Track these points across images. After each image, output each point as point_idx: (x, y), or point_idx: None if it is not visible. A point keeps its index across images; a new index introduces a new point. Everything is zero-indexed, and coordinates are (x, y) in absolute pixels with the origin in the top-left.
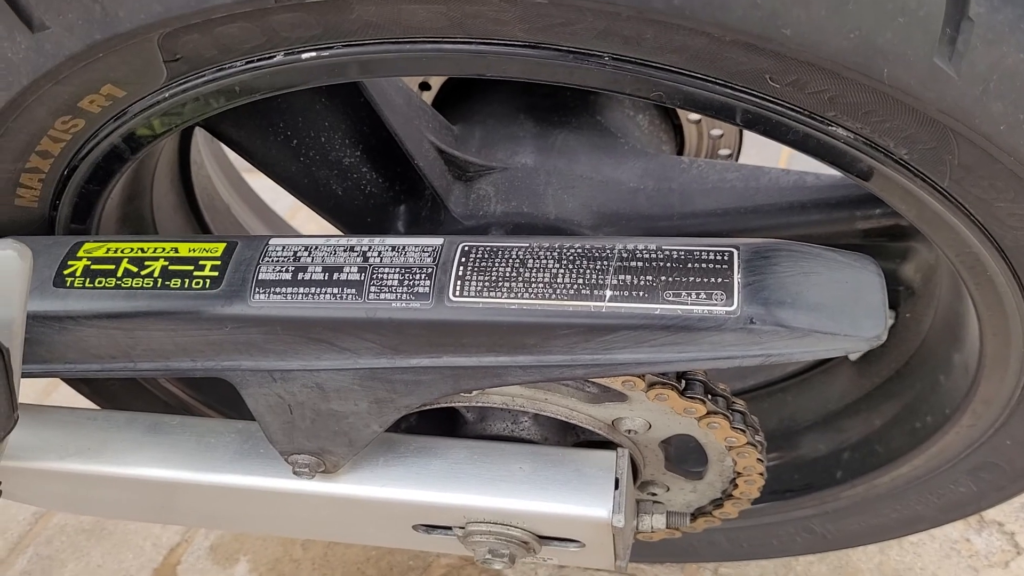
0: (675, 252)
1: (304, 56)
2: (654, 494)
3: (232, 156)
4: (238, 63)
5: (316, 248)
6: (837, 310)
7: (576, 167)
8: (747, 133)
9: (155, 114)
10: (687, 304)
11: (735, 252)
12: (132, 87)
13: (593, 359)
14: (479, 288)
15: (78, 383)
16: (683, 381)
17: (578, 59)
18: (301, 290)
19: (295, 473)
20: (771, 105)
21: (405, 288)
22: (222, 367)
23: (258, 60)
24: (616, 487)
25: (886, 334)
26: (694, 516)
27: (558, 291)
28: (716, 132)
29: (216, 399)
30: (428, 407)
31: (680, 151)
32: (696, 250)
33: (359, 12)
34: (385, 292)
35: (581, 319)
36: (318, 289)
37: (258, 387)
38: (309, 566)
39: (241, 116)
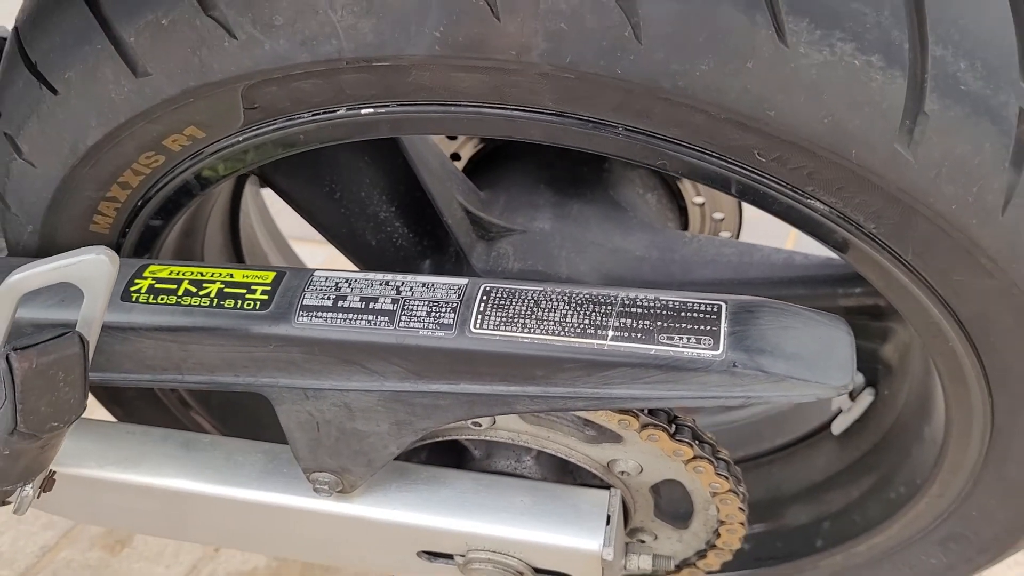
0: (670, 302)
1: (363, 112)
2: (643, 541)
3: (273, 210)
4: (306, 115)
5: (355, 280)
6: (811, 360)
7: (588, 234)
8: (747, 219)
9: (224, 157)
10: (679, 347)
11: (724, 305)
12: (211, 130)
13: (593, 392)
14: (497, 323)
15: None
16: (673, 425)
17: (596, 128)
18: (340, 316)
19: (315, 491)
20: (759, 177)
21: (432, 319)
22: (261, 383)
23: (323, 113)
24: (608, 523)
25: (852, 385)
26: (679, 567)
27: (566, 329)
28: (718, 215)
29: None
30: (440, 439)
31: (684, 230)
32: (689, 301)
33: (415, 76)
34: (414, 321)
35: (585, 355)
36: (355, 316)
37: (291, 404)
38: None
39: (293, 168)
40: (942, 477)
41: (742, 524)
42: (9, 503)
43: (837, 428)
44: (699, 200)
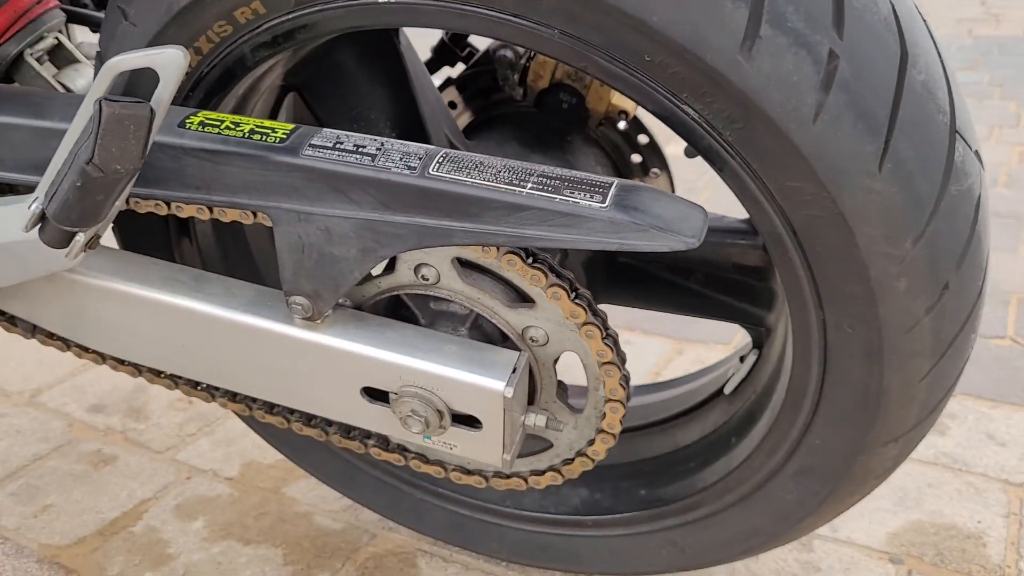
0: (576, 175)
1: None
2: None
3: None
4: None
5: (352, 135)
6: (671, 220)
7: None
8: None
9: (274, 34)
10: (577, 199)
11: (615, 182)
12: (270, 6)
13: (511, 231)
14: (449, 170)
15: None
16: (573, 292)
17: (539, 27)
18: (336, 153)
19: (290, 311)
20: (648, 81)
21: (403, 163)
22: (268, 205)
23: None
24: (513, 372)
25: (698, 241)
26: (570, 460)
27: (498, 180)
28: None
29: None
30: (395, 294)
31: None
32: (590, 176)
33: None
34: (389, 162)
35: (508, 198)
36: (347, 154)
37: (287, 225)
38: (256, 534)
39: (324, 91)
40: (790, 406)
41: (622, 403)
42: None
43: (729, 387)
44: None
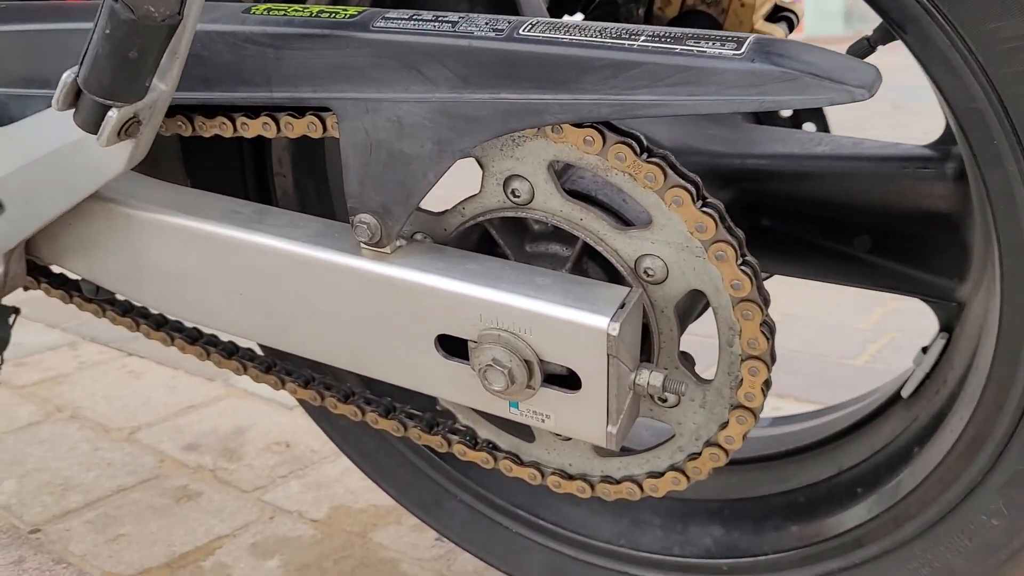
0: (701, 31)
1: None
2: (664, 400)
3: None
4: None
5: (428, 12)
6: (829, 68)
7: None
8: None
9: None
10: (703, 48)
11: (751, 35)
12: None
13: (617, 98)
14: (542, 30)
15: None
16: (700, 199)
17: None
18: (412, 24)
19: (355, 232)
20: None
21: (488, 27)
22: (332, 96)
23: None
24: (621, 307)
25: (869, 93)
26: (697, 454)
27: (603, 35)
28: None
29: None
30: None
31: None
32: (718, 31)
33: None
34: (472, 27)
35: (614, 54)
36: (424, 23)
37: (353, 120)
38: None
39: None
40: (996, 383)
41: (765, 363)
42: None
43: (908, 389)
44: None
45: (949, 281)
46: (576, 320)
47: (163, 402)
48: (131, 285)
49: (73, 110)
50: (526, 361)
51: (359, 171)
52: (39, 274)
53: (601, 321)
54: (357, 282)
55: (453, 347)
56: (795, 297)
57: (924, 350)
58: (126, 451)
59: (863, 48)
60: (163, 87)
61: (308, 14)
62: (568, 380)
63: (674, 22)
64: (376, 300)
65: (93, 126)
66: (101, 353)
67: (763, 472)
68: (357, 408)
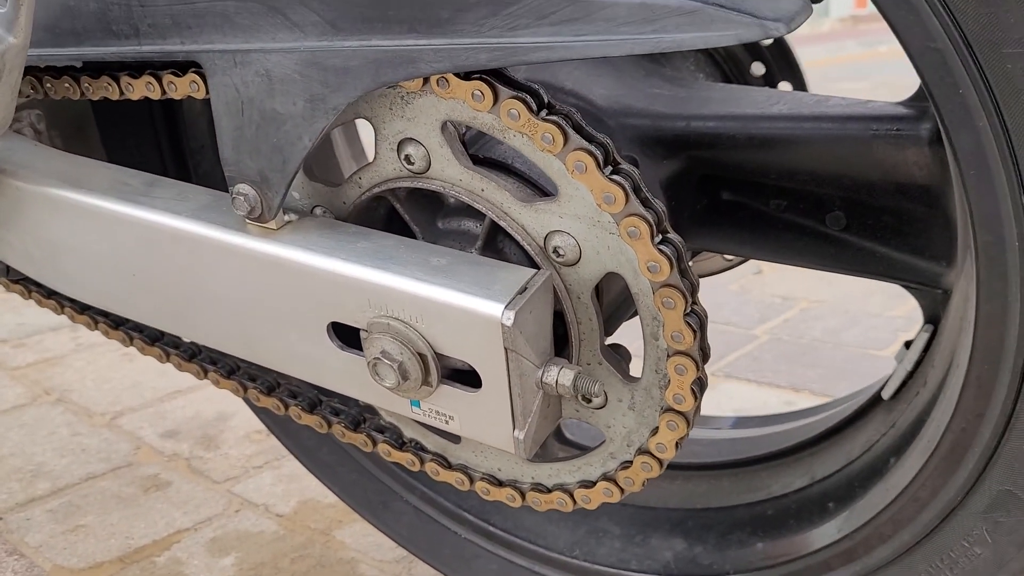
0: None
1: None
2: (588, 400)
3: None
4: None
5: None
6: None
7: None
8: None
9: None
10: None
11: None
12: None
13: (498, 42)
14: None
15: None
16: (612, 166)
17: None
18: None
19: (235, 208)
20: None
21: None
22: (200, 48)
23: None
24: (521, 291)
25: (787, 28)
26: (628, 462)
27: None
28: None
29: None
30: (379, 192)
31: None
32: None
33: None
34: None
35: None
36: None
37: (222, 75)
38: None
39: None
40: (974, 384)
41: (693, 359)
42: None
43: (888, 390)
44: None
45: (934, 265)
46: (468, 307)
47: (151, 386)
48: (32, 265)
49: None
50: (419, 354)
51: (233, 135)
52: None
53: (495, 308)
54: (242, 261)
55: (353, 336)
56: (825, 283)
57: (907, 345)
58: (104, 437)
59: None
60: (12, 39)
61: None
62: (473, 376)
63: None
64: (264, 281)
65: None
66: (99, 335)
67: (732, 480)
68: (280, 402)
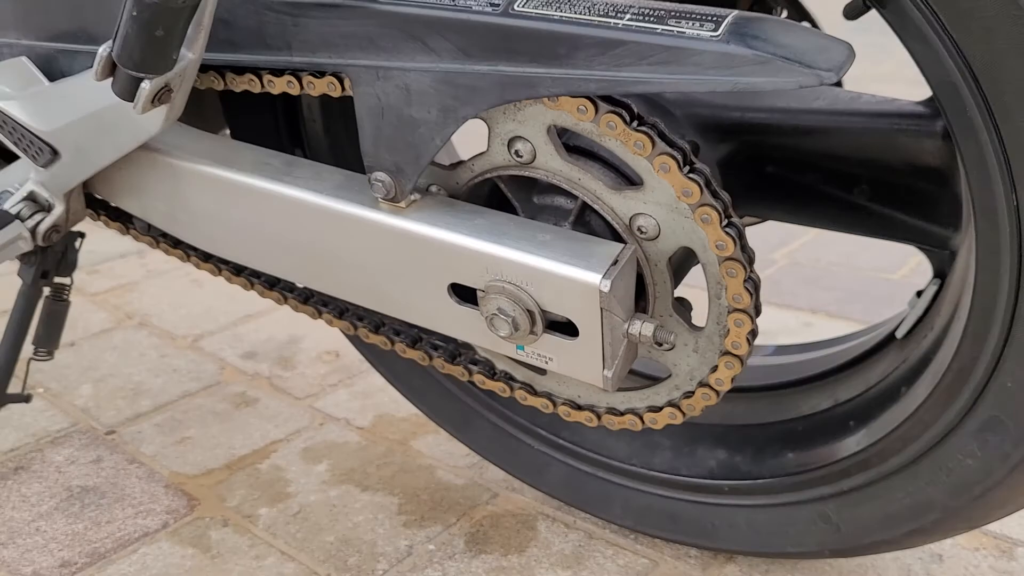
0: (687, 6)
1: None
2: (660, 344)
3: None
4: None
5: None
6: (800, 51)
7: None
8: None
9: None
10: (683, 28)
11: (733, 12)
12: None
13: (604, 74)
14: (535, 6)
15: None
16: (687, 166)
17: None
18: None
19: (372, 191)
20: None
21: (486, 2)
22: (347, 62)
23: None
24: (614, 264)
25: (838, 75)
26: (691, 392)
27: (590, 13)
28: None
29: None
30: (490, 176)
31: None
32: (702, 8)
33: None
34: (471, 2)
35: (602, 32)
36: None
37: (365, 86)
38: (376, 481)
39: None
40: (973, 334)
41: (749, 315)
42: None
43: (902, 330)
44: None
45: (943, 230)
46: (572, 276)
47: (223, 311)
48: (176, 225)
49: (111, 79)
50: (528, 311)
51: (373, 133)
52: (99, 208)
53: (594, 278)
54: (376, 233)
55: (467, 291)
56: None
57: (918, 294)
58: (190, 358)
59: (858, 8)
60: (191, 56)
61: None
62: (570, 326)
63: None
64: (394, 250)
65: (129, 95)
66: (167, 262)
67: (766, 401)
68: (387, 338)
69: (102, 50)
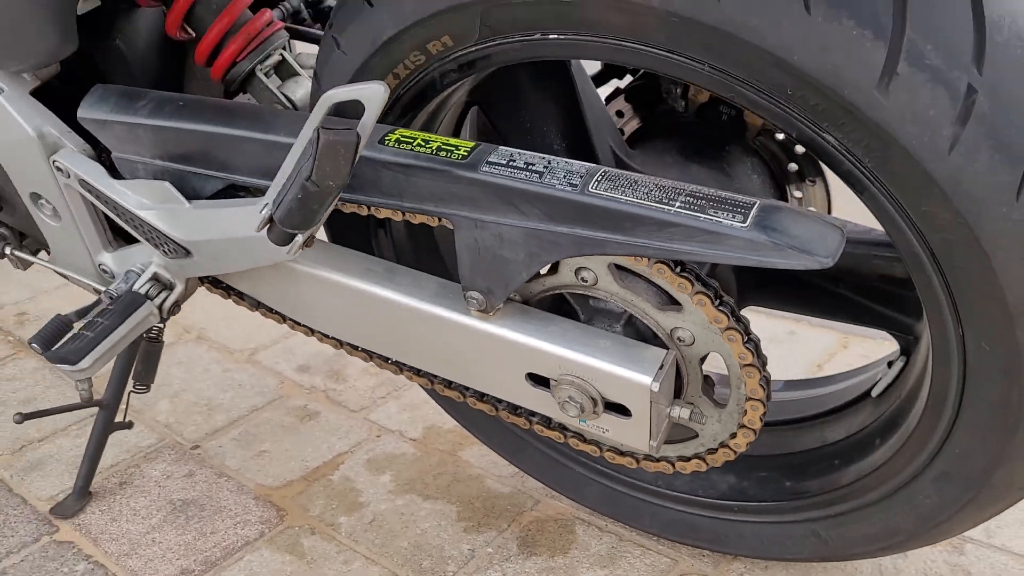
0: (721, 195)
1: (551, 36)
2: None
3: None
4: (516, 35)
5: (522, 154)
6: (807, 241)
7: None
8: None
9: (460, 63)
10: (720, 219)
11: (757, 202)
12: (458, 40)
13: (660, 245)
14: (607, 188)
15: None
16: (717, 299)
17: (690, 62)
18: (509, 171)
19: (467, 304)
20: (790, 110)
21: (566, 181)
22: (451, 212)
23: (526, 36)
24: (661, 367)
25: (832, 261)
26: (714, 450)
27: (649, 198)
28: (798, 194)
29: None
30: (557, 292)
31: None
32: (735, 196)
33: (584, 11)
34: (555, 180)
35: (658, 215)
36: (518, 172)
37: (466, 231)
38: (435, 491)
39: (504, 108)
40: (931, 414)
41: (762, 403)
42: (288, 245)
43: (876, 390)
44: (798, 194)
45: (909, 319)
46: (629, 377)
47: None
48: (286, 306)
49: (267, 229)
50: (592, 398)
51: (470, 264)
52: (211, 282)
53: (646, 380)
54: (468, 333)
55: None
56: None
57: (889, 364)
58: (250, 372)
59: None
60: (330, 210)
61: (430, 150)
62: (622, 407)
63: (704, 105)
64: (482, 346)
65: (283, 243)
66: None
67: (768, 436)
68: (459, 392)
69: (264, 212)
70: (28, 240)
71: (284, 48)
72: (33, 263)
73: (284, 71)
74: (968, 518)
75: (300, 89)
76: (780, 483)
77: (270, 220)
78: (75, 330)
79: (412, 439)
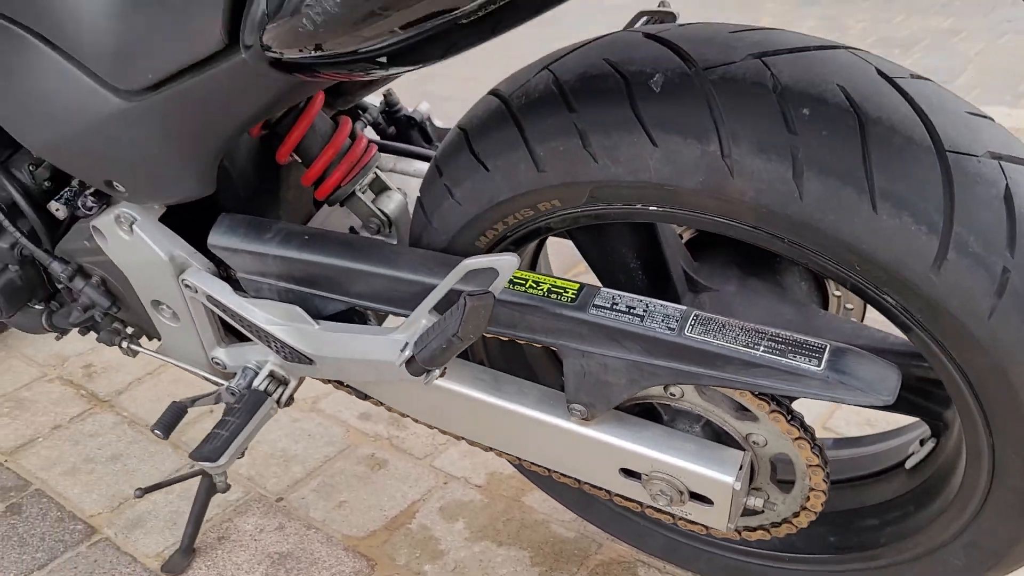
0: (798, 338)
1: (650, 208)
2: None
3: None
4: (618, 204)
5: (622, 296)
6: (871, 382)
7: (758, 299)
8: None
9: (565, 218)
10: (798, 361)
11: (828, 345)
12: (566, 203)
13: (746, 380)
14: (700, 332)
15: None
16: (790, 415)
17: (773, 238)
18: (613, 313)
19: (570, 415)
20: (857, 280)
21: (664, 323)
22: (560, 343)
23: (627, 206)
24: (740, 468)
25: (892, 399)
26: (779, 524)
27: (737, 341)
28: (849, 306)
29: None
30: (646, 402)
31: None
32: (809, 339)
33: (683, 196)
34: (654, 323)
35: (744, 357)
36: (621, 315)
37: (573, 358)
38: (506, 537)
39: (593, 239)
40: (963, 497)
41: (824, 492)
42: (428, 380)
43: (909, 463)
44: (838, 293)
45: (939, 408)
46: (714, 477)
47: None
48: (388, 399)
49: (405, 363)
50: (680, 491)
51: (576, 384)
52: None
53: (729, 479)
54: (569, 435)
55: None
56: None
57: (921, 442)
58: (317, 422)
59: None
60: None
61: (542, 292)
62: (705, 496)
63: None
64: (583, 445)
65: (418, 375)
66: None
67: None
68: (545, 468)
69: (406, 352)
70: (136, 330)
71: (378, 166)
72: (142, 352)
73: (377, 186)
74: (992, 574)
75: (392, 203)
76: (825, 538)
77: (410, 358)
78: (186, 408)
79: (477, 486)
